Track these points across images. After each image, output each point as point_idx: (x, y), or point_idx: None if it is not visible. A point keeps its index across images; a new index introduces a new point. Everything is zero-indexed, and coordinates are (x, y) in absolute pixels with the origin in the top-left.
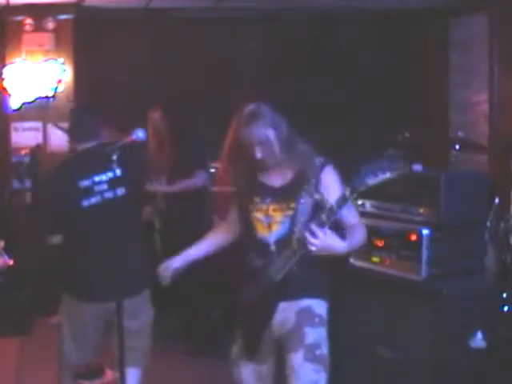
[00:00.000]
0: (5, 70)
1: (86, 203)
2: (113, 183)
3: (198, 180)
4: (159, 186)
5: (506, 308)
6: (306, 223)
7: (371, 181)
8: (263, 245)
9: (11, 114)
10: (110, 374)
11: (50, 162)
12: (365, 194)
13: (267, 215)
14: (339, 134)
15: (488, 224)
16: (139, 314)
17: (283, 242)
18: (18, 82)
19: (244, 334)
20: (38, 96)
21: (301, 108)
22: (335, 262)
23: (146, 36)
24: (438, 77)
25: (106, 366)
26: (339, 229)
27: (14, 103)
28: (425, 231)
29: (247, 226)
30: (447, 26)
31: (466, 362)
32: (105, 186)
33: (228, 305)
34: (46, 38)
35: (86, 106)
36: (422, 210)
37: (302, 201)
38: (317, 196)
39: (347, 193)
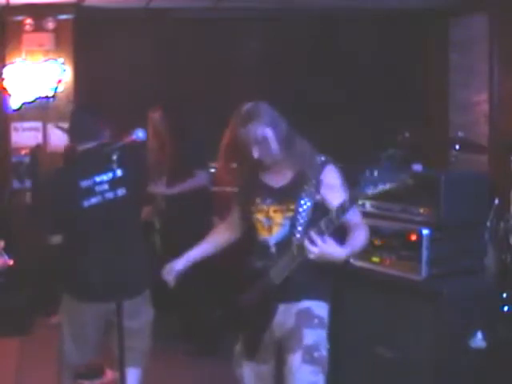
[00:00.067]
0: (5, 70)
1: (86, 203)
2: (113, 183)
3: (198, 180)
4: (160, 188)
5: (506, 308)
6: (306, 230)
7: (371, 191)
8: (264, 247)
9: (11, 113)
10: (110, 374)
11: (49, 162)
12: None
13: (267, 217)
14: (339, 134)
15: (488, 224)
16: (139, 314)
17: (283, 244)
18: (18, 82)
19: (244, 334)
20: (38, 96)
21: (301, 108)
22: (336, 264)
23: (146, 36)
24: (438, 77)
25: (105, 365)
26: (340, 232)
27: (14, 103)
28: (425, 231)
29: (249, 227)
30: (447, 26)
31: (466, 361)
32: (106, 186)
33: (228, 305)
34: (46, 38)
35: (87, 106)
36: (422, 210)
37: (302, 202)
38: (317, 197)
39: (347, 202)
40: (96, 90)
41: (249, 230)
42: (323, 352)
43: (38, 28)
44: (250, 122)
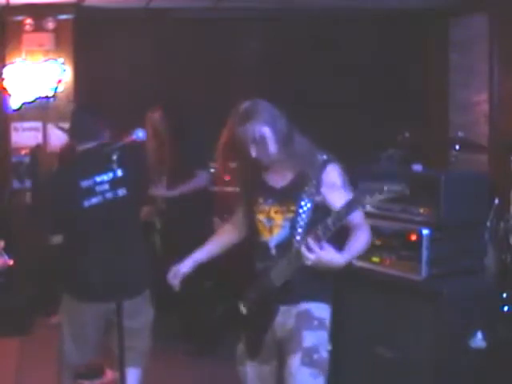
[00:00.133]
0: (5, 70)
1: (87, 203)
2: (114, 183)
3: (199, 181)
4: (161, 191)
5: (506, 308)
6: (306, 232)
7: (367, 200)
8: (264, 248)
9: (11, 114)
10: (110, 374)
11: (49, 162)
12: None
13: (268, 217)
14: (339, 134)
15: (488, 224)
16: (139, 314)
17: (284, 246)
18: (18, 82)
19: (246, 334)
20: (38, 96)
21: (301, 108)
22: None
23: (146, 36)
24: (438, 77)
25: (106, 366)
26: (340, 232)
27: (14, 103)
28: (425, 231)
29: (251, 227)
30: (447, 26)
31: (466, 361)
32: (106, 186)
33: (229, 304)
34: (46, 38)
35: (87, 106)
36: (422, 210)
37: (303, 203)
38: (318, 198)
39: (346, 207)
40: (96, 90)
41: (251, 231)
42: (323, 354)
43: (38, 28)
44: (247, 121)
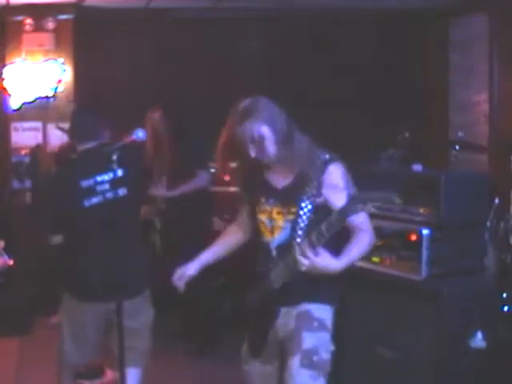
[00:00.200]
0: (5, 70)
1: (87, 203)
2: (114, 183)
3: (199, 181)
4: (161, 191)
5: (506, 308)
6: (306, 234)
7: (361, 208)
8: (266, 249)
9: (11, 114)
10: (110, 374)
11: (49, 162)
12: None
13: (270, 218)
14: (339, 134)
15: (488, 224)
16: (139, 314)
17: (284, 247)
18: (18, 82)
19: (248, 334)
20: (38, 96)
21: (301, 108)
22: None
23: (146, 36)
24: (438, 77)
25: (106, 365)
26: (339, 239)
27: (14, 103)
28: (425, 231)
29: (254, 228)
30: (447, 26)
31: (466, 361)
32: (107, 186)
33: (231, 304)
34: (46, 38)
35: (87, 106)
36: (422, 210)
37: (304, 205)
38: (319, 199)
39: (336, 216)
40: (96, 90)
41: (254, 231)
42: (323, 355)
43: (38, 28)
44: (246, 120)
